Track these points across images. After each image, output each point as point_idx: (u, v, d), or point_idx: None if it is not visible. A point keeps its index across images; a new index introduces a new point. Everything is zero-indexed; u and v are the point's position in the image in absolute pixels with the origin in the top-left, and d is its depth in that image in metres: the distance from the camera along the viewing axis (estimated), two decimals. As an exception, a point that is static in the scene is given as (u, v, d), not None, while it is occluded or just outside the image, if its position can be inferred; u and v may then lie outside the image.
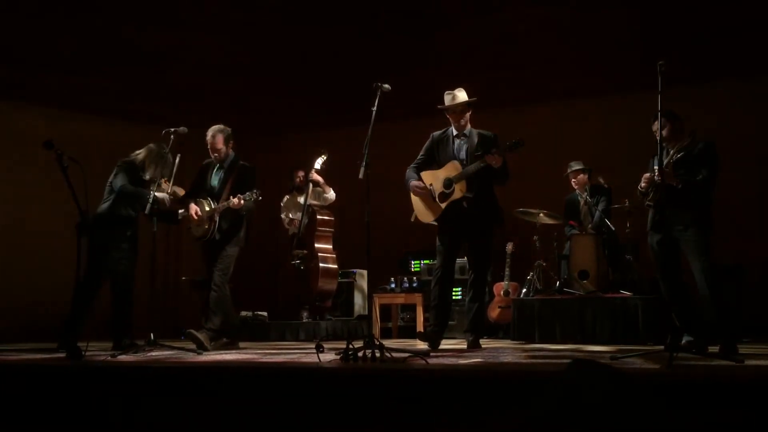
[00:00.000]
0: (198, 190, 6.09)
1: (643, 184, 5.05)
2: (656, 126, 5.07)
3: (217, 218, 5.84)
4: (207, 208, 5.90)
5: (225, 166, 6.00)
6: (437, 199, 5.56)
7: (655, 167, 4.82)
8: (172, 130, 5.64)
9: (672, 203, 4.92)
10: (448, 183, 5.48)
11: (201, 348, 5.42)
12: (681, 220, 4.96)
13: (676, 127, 5.07)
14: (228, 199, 5.78)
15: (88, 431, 3.61)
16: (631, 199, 7.16)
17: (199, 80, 8.46)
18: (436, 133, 5.78)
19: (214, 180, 6.02)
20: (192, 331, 5.57)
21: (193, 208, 5.92)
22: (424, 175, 5.69)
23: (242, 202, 5.68)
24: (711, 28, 7.08)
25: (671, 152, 5.10)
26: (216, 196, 5.94)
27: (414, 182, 5.64)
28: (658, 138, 5.04)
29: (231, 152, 6.03)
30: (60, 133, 5.63)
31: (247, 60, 8.00)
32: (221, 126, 5.98)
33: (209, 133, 5.95)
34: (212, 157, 6.01)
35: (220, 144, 5.91)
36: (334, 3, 6.58)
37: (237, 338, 6.09)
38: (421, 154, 5.80)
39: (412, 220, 5.80)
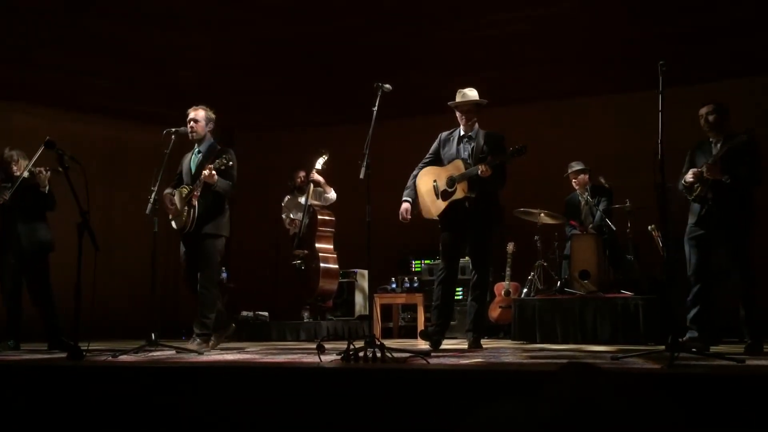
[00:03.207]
0: (180, 181, 5.87)
1: (689, 179, 4.97)
2: (704, 110, 5.02)
3: (195, 203, 5.58)
4: (183, 194, 5.67)
5: (203, 150, 5.82)
6: (440, 197, 5.57)
7: (703, 164, 4.78)
8: (173, 130, 5.63)
9: (719, 200, 4.87)
10: (451, 182, 5.48)
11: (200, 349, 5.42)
12: (728, 220, 4.90)
13: (721, 115, 5.01)
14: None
15: (89, 431, 3.61)
16: (632, 198, 7.17)
17: (199, 80, 8.46)
18: (444, 133, 5.78)
19: (192, 166, 5.80)
20: (184, 347, 5.40)
21: (167, 198, 5.71)
22: (429, 170, 5.69)
23: (214, 172, 5.44)
24: (714, 27, 7.08)
25: (717, 144, 5.02)
26: (195, 181, 5.69)
27: (403, 206, 5.68)
28: (703, 126, 4.99)
29: (209, 137, 5.86)
30: (60, 133, 5.64)
31: (247, 59, 8.00)
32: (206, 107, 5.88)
33: (191, 108, 5.83)
34: (188, 130, 5.76)
35: (200, 118, 5.76)
36: (335, 2, 6.58)
37: (225, 325, 5.90)
38: (428, 153, 5.79)
39: (415, 212, 5.80)
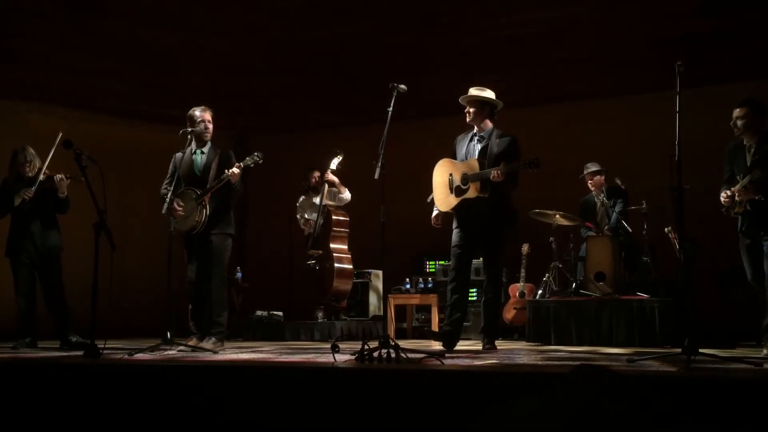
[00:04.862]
0: (178, 183, 5.69)
1: (723, 203, 4.99)
2: (737, 113, 4.95)
3: (206, 203, 5.54)
4: (194, 196, 5.58)
5: (206, 151, 5.76)
6: (453, 192, 5.56)
7: (735, 186, 4.84)
8: (189, 130, 5.65)
9: (757, 212, 4.86)
10: (465, 180, 5.48)
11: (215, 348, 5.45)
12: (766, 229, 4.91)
13: (754, 118, 4.91)
14: (215, 180, 5.53)
15: (104, 430, 3.63)
16: (648, 200, 7.12)
17: (213, 81, 8.49)
18: (461, 134, 5.79)
19: (198, 167, 5.71)
20: (199, 346, 5.43)
21: (174, 201, 5.55)
22: (446, 162, 5.69)
23: (239, 171, 5.45)
24: (728, 28, 7.02)
25: (751, 149, 4.96)
26: (201, 181, 5.65)
27: (434, 213, 5.75)
28: (735, 131, 4.93)
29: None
30: (76, 133, 5.67)
31: (260, 62, 8.02)
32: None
33: (199, 109, 5.74)
34: (203, 130, 5.68)
35: (211, 119, 5.76)
36: (348, 3, 6.59)
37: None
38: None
39: (428, 200, 5.80)
